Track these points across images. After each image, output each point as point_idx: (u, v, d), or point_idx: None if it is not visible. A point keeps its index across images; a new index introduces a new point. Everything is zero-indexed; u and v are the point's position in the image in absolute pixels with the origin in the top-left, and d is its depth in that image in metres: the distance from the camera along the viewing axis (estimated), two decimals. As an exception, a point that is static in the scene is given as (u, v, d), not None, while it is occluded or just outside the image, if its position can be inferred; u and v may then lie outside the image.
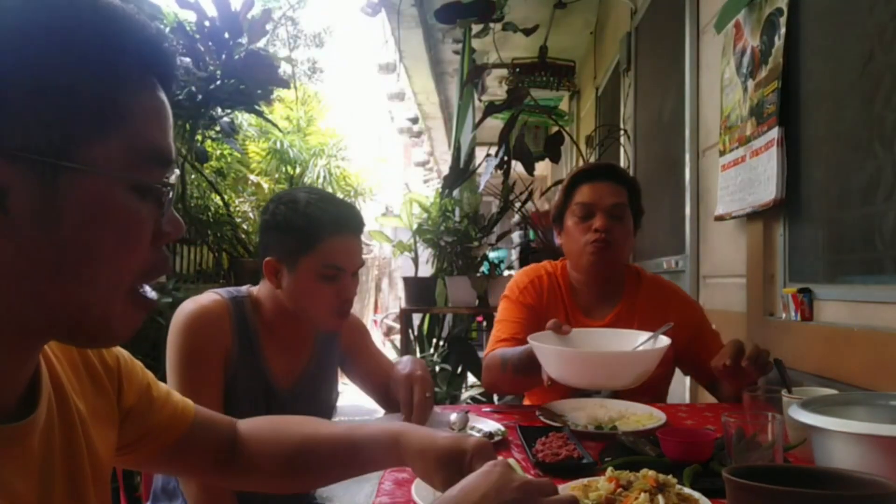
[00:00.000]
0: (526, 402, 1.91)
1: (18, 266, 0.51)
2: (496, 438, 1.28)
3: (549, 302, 1.77)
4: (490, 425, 1.36)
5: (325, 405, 1.55)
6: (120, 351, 0.80)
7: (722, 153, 2.10)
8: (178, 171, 0.61)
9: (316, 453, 0.92)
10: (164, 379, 1.33)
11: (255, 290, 1.43)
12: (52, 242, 0.51)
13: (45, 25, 0.49)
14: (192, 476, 1.00)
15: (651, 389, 1.70)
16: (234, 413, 1.33)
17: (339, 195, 7.41)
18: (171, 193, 0.58)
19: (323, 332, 1.47)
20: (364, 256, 1.51)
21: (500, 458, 0.78)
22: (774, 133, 1.76)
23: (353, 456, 0.90)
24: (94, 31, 0.51)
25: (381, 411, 1.61)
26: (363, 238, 1.64)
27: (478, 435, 1.20)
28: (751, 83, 1.92)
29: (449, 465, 0.81)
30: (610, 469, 0.99)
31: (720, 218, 2.11)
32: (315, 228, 1.31)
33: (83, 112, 0.50)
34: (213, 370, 1.31)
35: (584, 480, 0.98)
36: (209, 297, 1.36)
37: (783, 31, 1.76)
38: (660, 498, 0.89)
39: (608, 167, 1.81)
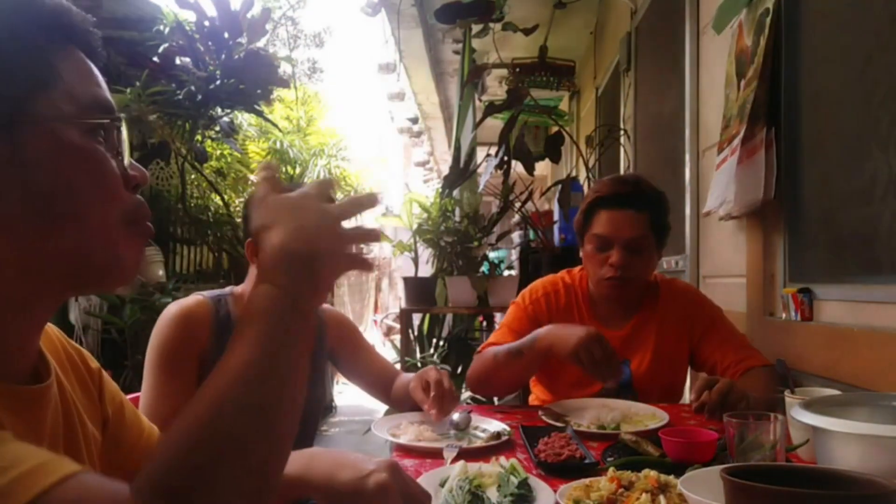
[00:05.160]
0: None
1: (8, 219, 0.57)
2: (503, 438, 1.28)
3: (565, 316, 1.73)
4: (495, 425, 1.37)
5: (312, 403, 1.57)
6: (97, 363, 0.81)
7: (718, 152, 2.11)
8: (122, 116, 0.66)
9: None
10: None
11: (238, 288, 1.50)
12: (31, 190, 0.58)
13: None
14: None
15: (669, 393, 1.71)
16: None
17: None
18: (121, 134, 0.65)
19: None
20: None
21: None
22: (742, 134, 1.79)
23: None
24: (13, 11, 0.60)
25: (380, 412, 1.63)
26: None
27: (454, 448, 1.19)
28: (742, 83, 1.93)
29: None
30: (612, 469, 1.00)
31: (707, 214, 2.15)
32: None
33: (21, 75, 0.58)
34: (185, 369, 1.35)
35: (586, 480, 0.98)
36: (193, 298, 1.43)
37: (767, 31, 1.76)
38: (661, 498, 0.89)
39: (629, 193, 1.67)
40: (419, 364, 3.53)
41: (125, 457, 0.85)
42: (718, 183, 2.03)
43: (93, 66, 0.65)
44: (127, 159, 0.65)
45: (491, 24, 3.87)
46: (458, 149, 3.88)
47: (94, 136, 0.62)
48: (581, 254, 1.80)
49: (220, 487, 0.50)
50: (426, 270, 3.63)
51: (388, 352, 5.26)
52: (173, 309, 1.39)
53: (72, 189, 0.59)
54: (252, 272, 1.47)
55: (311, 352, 0.63)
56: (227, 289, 1.51)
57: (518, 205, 3.54)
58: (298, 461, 0.87)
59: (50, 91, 0.59)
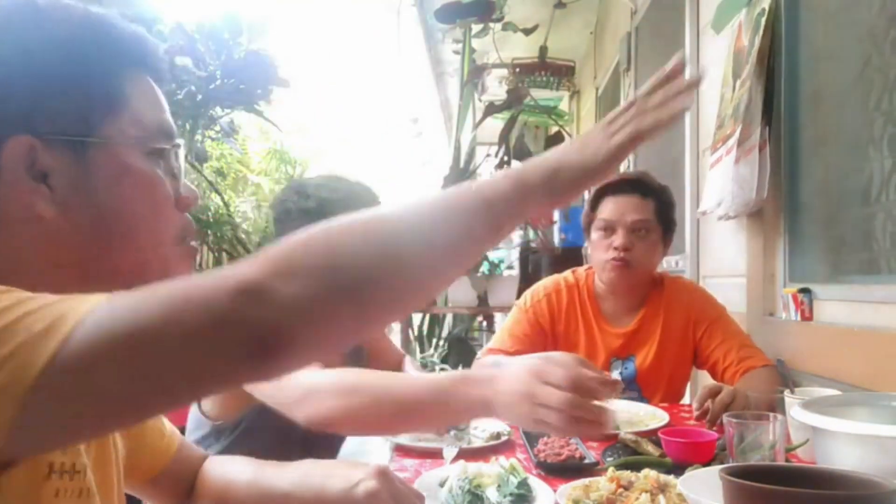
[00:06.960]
0: None
1: (68, 231, 0.60)
2: (503, 438, 1.28)
3: (568, 316, 1.77)
4: (495, 425, 1.36)
5: None
6: None
7: (712, 152, 2.11)
8: (181, 141, 0.69)
9: (238, 501, 0.90)
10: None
11: None
12: (92, 206, 0.61)
13: (57, 39, 0.61)
14: None
15: (672, 389, 1.73)
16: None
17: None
18: (179, 159, 0.69)
19: None
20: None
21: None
22: (738, 134, 1.78)
23: None
24: (93, 38, 0.63)
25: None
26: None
27: (458, 446, 1.18)
28: (738, 83, 1.93)
29: None
30: (611, 469, 1.00)
31: (703, 214, 2.16)
32: (327, 210, 1.29)
33: (94, 100, 0.62)
34: None
35: (586, 480, 0.98)
36: None
37: (762, 30, 1.76)
38: (661, 498, 0.89)
39: (634, 180, 1.76)
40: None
41: (148, 460, 0.85)
42: (713, 183, 2.04)
43: (159, 91, 0.69)
44: (182, 181, 0.69)
45: (491, 24, 3.87)
46: (457, 149, 3.88)
47: (154, 159, 0.65)
48: (588, 246, 1.82)
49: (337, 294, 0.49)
50: (426, 270, 3.63)
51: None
52: None
53: (130, 210, 0.63)
54: None
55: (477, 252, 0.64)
56: None
57: (518, 205, 3.53)
58: (291, 476, 0.87)
59: (119, 115, 0.63)
